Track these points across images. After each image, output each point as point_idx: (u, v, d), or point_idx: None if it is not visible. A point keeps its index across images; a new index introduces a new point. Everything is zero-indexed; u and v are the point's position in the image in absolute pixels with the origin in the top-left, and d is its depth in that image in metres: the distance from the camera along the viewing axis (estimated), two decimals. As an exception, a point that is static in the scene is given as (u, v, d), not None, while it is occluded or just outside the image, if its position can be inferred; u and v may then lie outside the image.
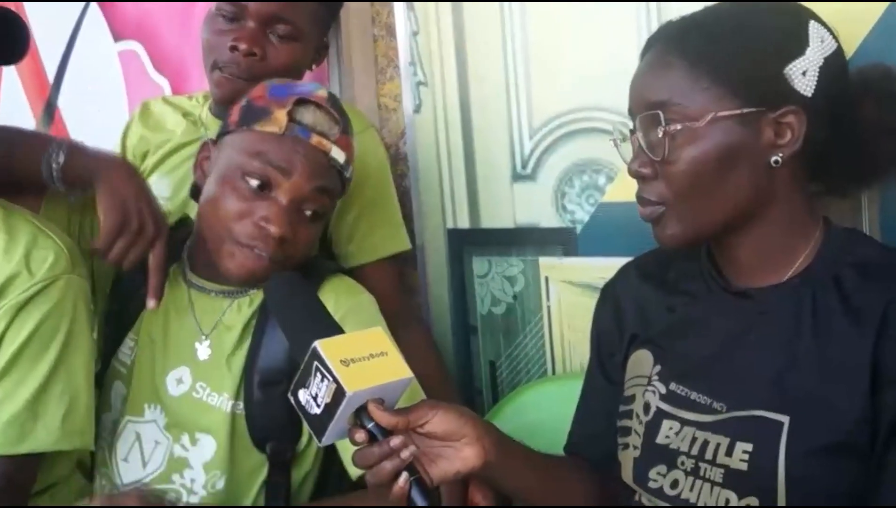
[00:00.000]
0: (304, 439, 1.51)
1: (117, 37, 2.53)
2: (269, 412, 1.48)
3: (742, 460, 1.16)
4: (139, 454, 1.53)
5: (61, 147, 1.50)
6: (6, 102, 2.79)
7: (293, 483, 1.52)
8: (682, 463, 1.22)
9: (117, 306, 1.60)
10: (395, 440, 1.10)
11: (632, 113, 1.25)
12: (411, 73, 1.99)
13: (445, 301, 2.03)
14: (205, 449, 1.50)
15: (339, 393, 1.06)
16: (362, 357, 1.09)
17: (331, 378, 1.06)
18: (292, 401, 1.12)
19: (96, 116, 2.57)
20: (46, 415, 1.37)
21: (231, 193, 1.46)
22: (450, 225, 1.99)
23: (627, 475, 1.30)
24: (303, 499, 1.55)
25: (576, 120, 1.79)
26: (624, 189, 1.73)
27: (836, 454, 1.12)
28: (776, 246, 1.23)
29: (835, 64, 1.20)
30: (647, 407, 1.29)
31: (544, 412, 1.76)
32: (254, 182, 1.44)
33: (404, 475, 1.09)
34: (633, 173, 1.25)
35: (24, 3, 2.63)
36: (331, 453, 1.52)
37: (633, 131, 1.25)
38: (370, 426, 1.10)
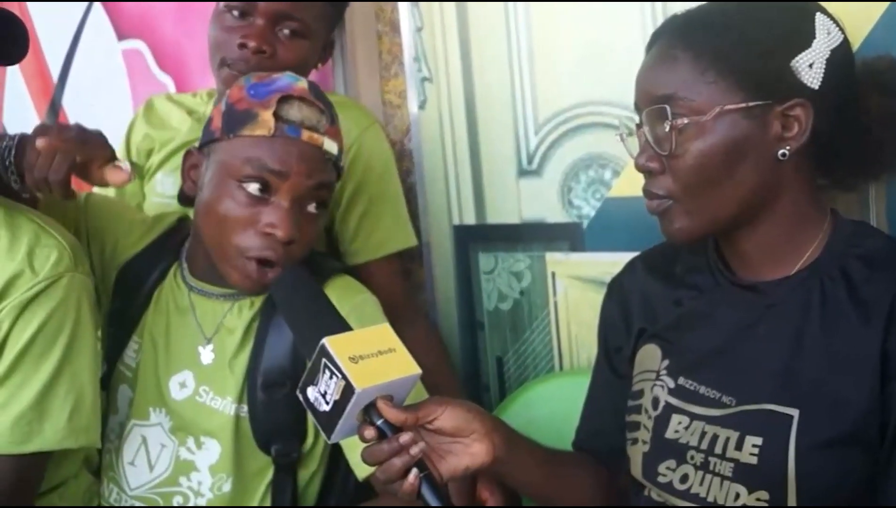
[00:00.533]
0: (310, 439, 1.51)
1: (121, 36, 2.53)
2: (274, 415, 1.48)
3: (752, 454, 1.16)
4: (145, 457, 1.53)
5: (12, 142, 1.52)
6: (10, 101, 2.79)
7: (299, 483, 1.52)
8: (692, 458, 1.22)
9: (120, 305, 1.60)
10: (405, 437, 1.10)
11: (638, 107, 1.25)
12: (416, 69, 1.99)
13: (452, 297, 2.03)
14: (210, 452, 1.50)
15: (348, 390, 1.06)
16: (371, 354, 1.09)
17: (340, 376, 1.06)
18: (301, 398, 1.12)
19: (101, 115, 2.55)
20: (52, 414, 1.37)
21: (230, 202, 1.43)
22: (456, 221, 1.99)
23: (636, 470, 1.30)
24: (309, 500, 1.55)
25: (581, 115, 1.79)
26: (630, 184, 1.73)
27: (846, 446, 1.12)
28: (784, 239, 1.23)
29: (841, 56, 1.20)
30: (655, 402, 1.29)
31: (552, 407, 1.76)
32: (252, 188, 1.42)
33: (414, 471, 1.09)
34: (640, 168, 1.25)
35: (28, 3, 2.63)
36: (336, 453, 1.52)
37: (639, 126, 1.25)
38: (379, 422, 1.10)
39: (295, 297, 1.23)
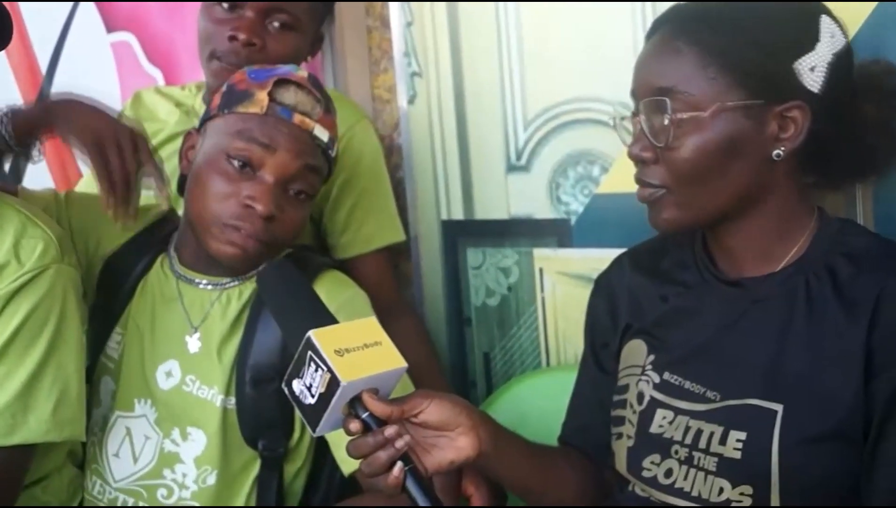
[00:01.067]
0: (296, 434, 1.51)
1: (110, 28, 2.52)
2: (262, 410, 1.48)
3: (736, 448, 1.16)
4: (130, 449, 1.52)
5: (5, 113, 1.53)
6: (-2, 93, 2.77)
7: (285, 479, 1.52)
8: (676, 452, 1.22)
9: (104, 298, 1.59)
10: (390, 430, 1.09)
11: (635, 95, 1.25)
12: (405, 64, 1.99)
13: (439, 293, 2.03)
14: (196, 444, 1.49)
15: (333, 383, 1.06)
16: (357, 347, 1.09)
17: (325, 368, 1.06)
18: (286, 391, 1.12)
19: (89, 108, 2.55)
20: (37, 406, 1.36)
21: (215, 175, 1.45)
22: (444, 216, 1.99)
23: (621, 464, 1.30)
24: (294, 495, 1.55)
25: (570, 111, 1.79)
26: (619, 180, 1.74)
27: (830, 441, 1.12)
28: (771, 236, 1.23)
29: (843, 60, 1.20)
30: (640, 397, 1.29)
31: (538, 403, 1.76)
32: (237, 162, 1.44)
33: (399, 465, 1.09)
34: (634, 157, 1.25)
35: (17, -6, 2.62)
36: (323, 449, 1.52)
37: (635, 114, 1.25)
38: (364, 416, 1.10)
39: (281, 290, 1.23)
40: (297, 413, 1.46)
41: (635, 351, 1.34)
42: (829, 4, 1.24)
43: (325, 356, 1.06)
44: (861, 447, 1.12)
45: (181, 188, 1.58)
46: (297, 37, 1.78)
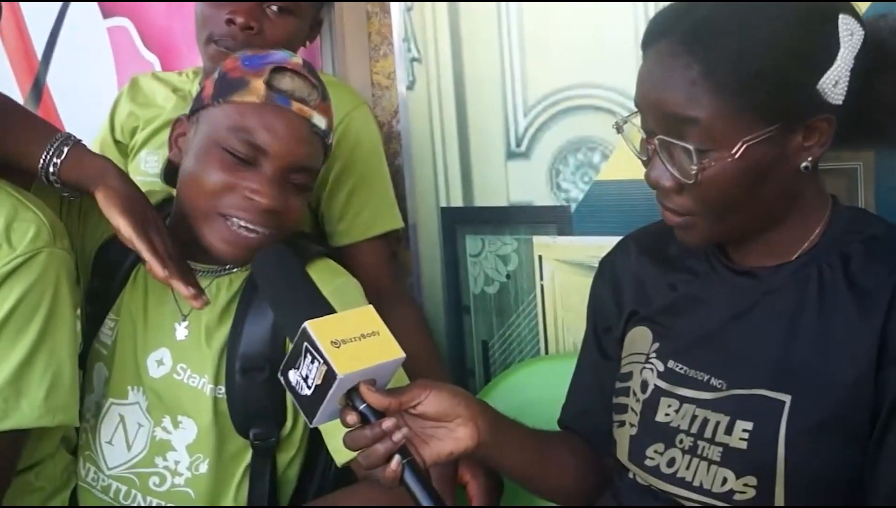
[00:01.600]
0: (289, 424, 1.50)
1: (107, 13, 2.50)
2: (252, 399, 1.47)
3: (742, 438, 1.15)
4: (123, 436, 1.51)
5: (65, 143, 1.45)
6: (-7, 79, 2.76)
7: (278, 467, 1.51)
8: (681, 441, 1.21)
9: (98, 284, 1.58)
10: (388, 423, 1.08)
11: (642, 112, 1.19)
12: (405, 49, 1.97)
13: (438, 280, 2.02)
14: (187, 432, 1.48)
15: (329, 375, 1.05)
16: (353, 338, 1.07)
17: (321, 360, 1.05)
18: (282, 381, 1.10)
19: (85, 93, 2.55)
20: (30, 391, 1.35)
21: (214, 166, 1.42)
22: (443, 203, 1.98)
23: (622, 453, 1.29)
24: (288, 484, 1.54)
25: (571, 97, 1.77)
26: (619, 167, 1.73)
27: (837, 433, 1.11)
28: (787, 229, 1.22)
29: (863, 58, 1.14)
30: (644, 385, 1.28)
31: (537, 391, 1.75)
32: (237, 154, 1.41)
33: (396, 457, 1.08)
34: (654, 184, 1.20)
35: (13, -21, 2.61)
36: (317, 436, 1.51)
37: (647, 133, 1.20)
38: (362, 407, 1.08)
39: (276, 276, 1.22)
40: (290, 402, 1.46)
41: (640, 338, 1.33)
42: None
43: (321, 347, 1.05)
44: (867, 439, 1.11)
45: (169, 177, 1.56)
46: (295, 21, 1.77)
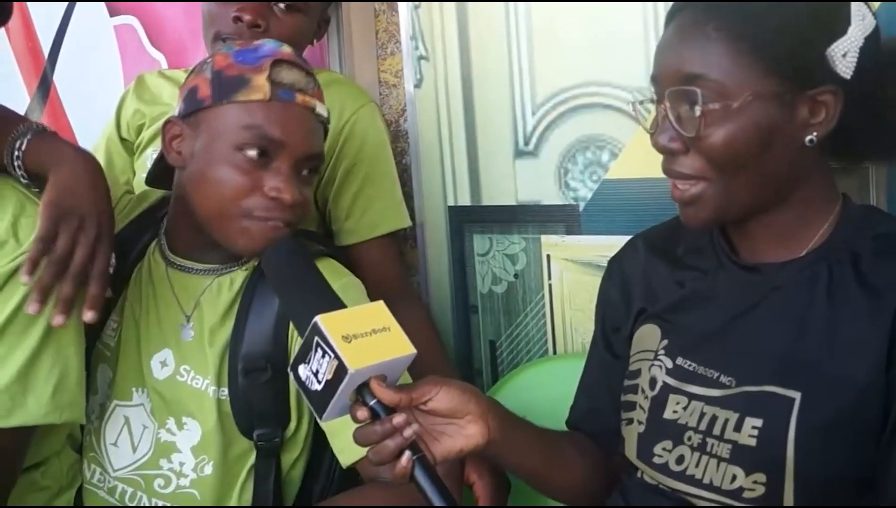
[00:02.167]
0: (293, 424, 1.49)
1: (113, 11, 2.51)
2: (255, 400, 1.46)
3: (751, 435, 1.14)
4: (129, 438, 1.51)
5: (27, 132, 1.40)
6: (0, 76, 2.76)
7: (283, 467, 1.51)
8: (689, 439, 1.21)
9: None
10: (398, 419, 1.08)
11: (657, 81, 1.21)
12: (412, 47, 1.97)
13: (445, 280, 2.01)
14: (191, 433, 1.48)
15: (340, 370, 1.04)
16: (364, 333, 1.07)
17: (332, 355, 1.04)
18: (292, 376, 1.10)
19: (92, 92, 2.55)
20: (37, 387, 1.34)
21: (229, 169, 1.42)
22: (450, 202, 1.97)
23: (631, 451, 1.29)
24: (293, 484, 1.53)
25: (579, 95, 1.77)
26: (628, 166, 1.72)
27: (848, 430, 1.11)
28: (796, 223, 1.21)
29: (873, 43, 1.17)
30: (653, 382, 1.28)
31: (544, 391, 1.74)
32: (252, 153, 1.41)
33: (407, 454, 1.08)
34: (661, 148, 1.21)
35: (20, -22, 2.61)
36: (322, 437, 1.50)
37: (657, 101, 1.21)
38: (372, 403, 1.08)
39: (286, 271, 1.21)
40: (294, 402, 1.46)
41: (648, 336, 1.32)
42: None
43: (332, 342, 1.04)
44: (878, 436, 1.10)
45: (159, 180, 1.56)
46: (302, 19, 1.77)
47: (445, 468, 1.28)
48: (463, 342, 2.01)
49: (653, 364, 1.29)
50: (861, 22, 1.15)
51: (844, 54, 1.14)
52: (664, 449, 1.24)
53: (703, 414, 1.20)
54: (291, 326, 1.44)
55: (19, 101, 2.68)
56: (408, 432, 1.08)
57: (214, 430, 1.46)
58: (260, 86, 1.42)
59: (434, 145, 1.97)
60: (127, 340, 1.53)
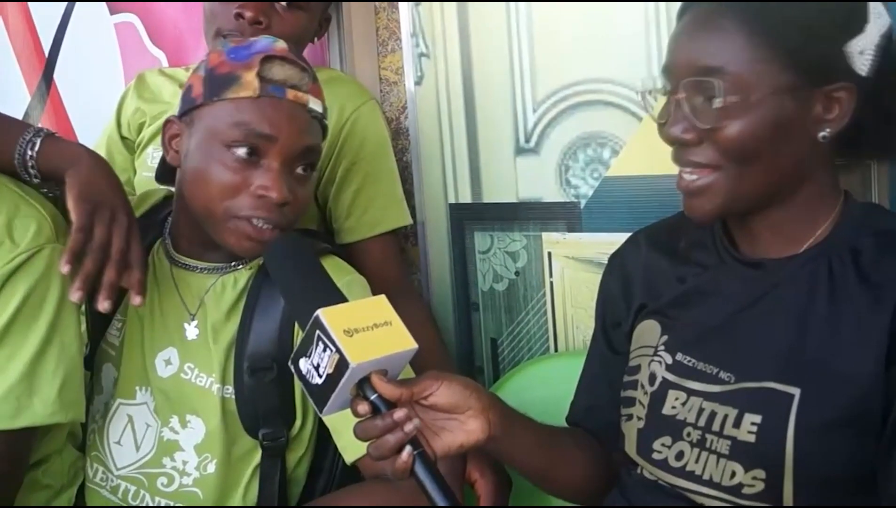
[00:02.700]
0: (298, 423, 1.49)
1: (114, 9, 2.51)
2: (261, 399, 1.46)
3: (750, 432, 1.14)
4: (132, 437, 1.50)
5: (37, 135, 1.42)
6: (0, 75, 2.76)
7: (287, 466, 1.50)
8: (689, 435, 1.20)
9: None
10: (399, 413, 1.07)
11: (670, 71, 1.21)
12: (413, 44, 1.97)
13: (446, 277, 2.01)
14: (195, 432, 1.48)
15: (342, 364, 1.04)
16: (366, 327, 1.06)
17: (333, 349, 1.04)
18: (292, 369, 1.09)
19: (92, 90, 2.55)
20: (42, 388, 1.34)
21: (219, 167, 1.41)
22: (451, 200, 1.97)
23: (630, 446, 1.29)
24: (297, 483, 1.53)
25: (580, 92, 1.77)
26: (629, 163, 1.72)
27: (847, 426, 1.10)
28: (798, 219, 1.21)
29: (888, 41, 1.17)
30: (652, 377, 1.27)
31: (546, 389, 1.74)
32: (240, 151, 1.40)
33: (408, 449, 1.07)
34: (675, 139, 1.20)
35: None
36: (325, 435, 1.50)
37: (671, 92, 1.21)
38: (373, 397, 1.07)
39: (289, 265, 1.21)
40: (299, 401, 1.45)
41: (648, 331, 1.32)
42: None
43: (333, 336, 1.04)
44: (878, 433, 1.10)
45: (166, 176, 1.56)
46: (304, 16, 1.77)
47: (447, 465, 1.28)
48: (464, 339, 2.01)
49: (652, 360, 1.29)
50: (878, 20, 1.15)
51: (862, 51, 1.14)
52: (663, 445, 1.23)
53: (702, 410, 1.20)
54: (297, 326, 1.43)
55: (19, 99, 2.68)
56: (409, 427, 1.07)
57: (218, 428, 1.46)
58: (249, 82, 1.40)
59: (435, 143, 1.97)
60: (131, 339, 1.53)
